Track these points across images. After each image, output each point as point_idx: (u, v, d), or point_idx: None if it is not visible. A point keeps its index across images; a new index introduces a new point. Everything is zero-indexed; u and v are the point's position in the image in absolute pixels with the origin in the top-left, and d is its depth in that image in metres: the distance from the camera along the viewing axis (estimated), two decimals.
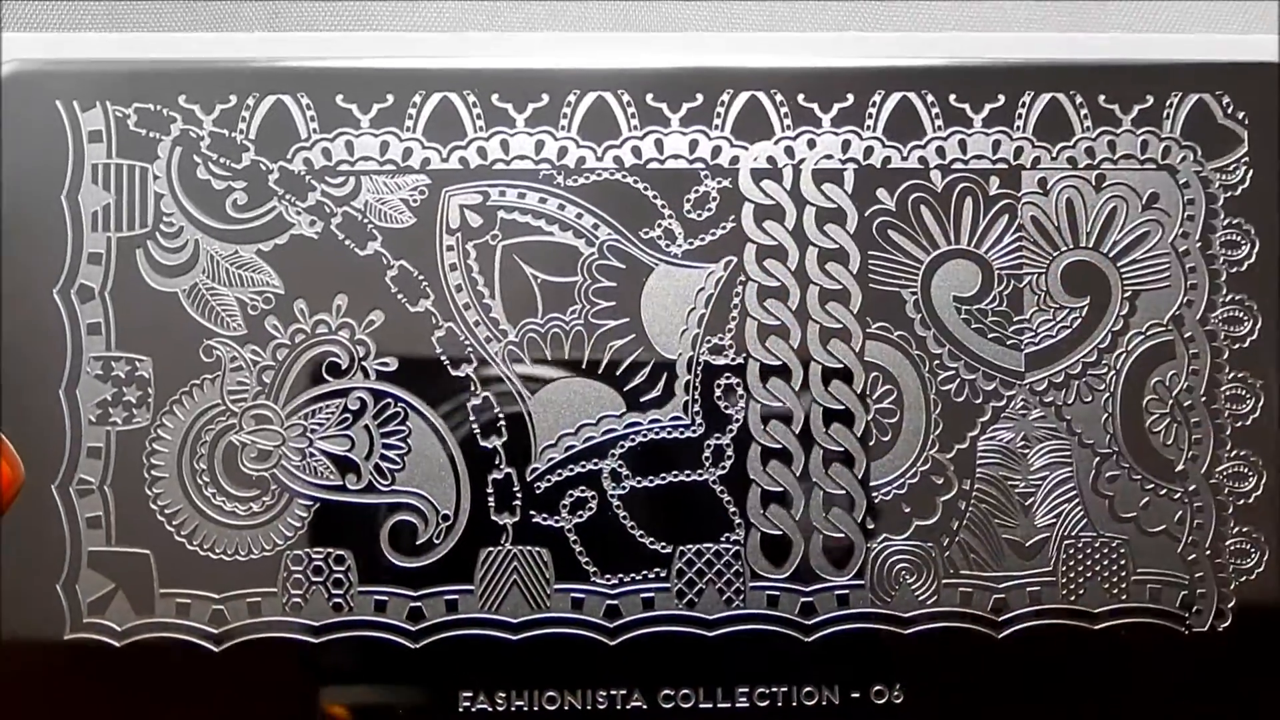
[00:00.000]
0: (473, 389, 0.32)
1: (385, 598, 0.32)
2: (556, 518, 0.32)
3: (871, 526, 0.32)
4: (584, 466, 0.32)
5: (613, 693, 0.32)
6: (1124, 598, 0.32)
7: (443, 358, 0.32)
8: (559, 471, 0.32)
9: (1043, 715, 0.32)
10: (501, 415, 0.32)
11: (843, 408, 0.32)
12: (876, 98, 0.32)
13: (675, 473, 0.32)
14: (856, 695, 0.32)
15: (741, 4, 0.36)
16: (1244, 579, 0.32)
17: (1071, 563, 0.32)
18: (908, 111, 0.32)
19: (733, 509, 0.32)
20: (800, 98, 0.32)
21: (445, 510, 0.32)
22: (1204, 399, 0.32)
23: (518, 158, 0.32)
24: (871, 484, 0.32)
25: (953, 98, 0.32)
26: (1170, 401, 0.32)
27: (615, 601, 0.32)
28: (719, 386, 0.32)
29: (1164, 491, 0.32)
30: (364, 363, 0.32)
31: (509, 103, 0.32)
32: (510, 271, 0.32)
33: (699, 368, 0.32)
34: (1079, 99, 0.32)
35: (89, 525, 0.31)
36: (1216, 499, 0.32)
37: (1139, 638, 0.32)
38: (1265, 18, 0.36)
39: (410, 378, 0.32)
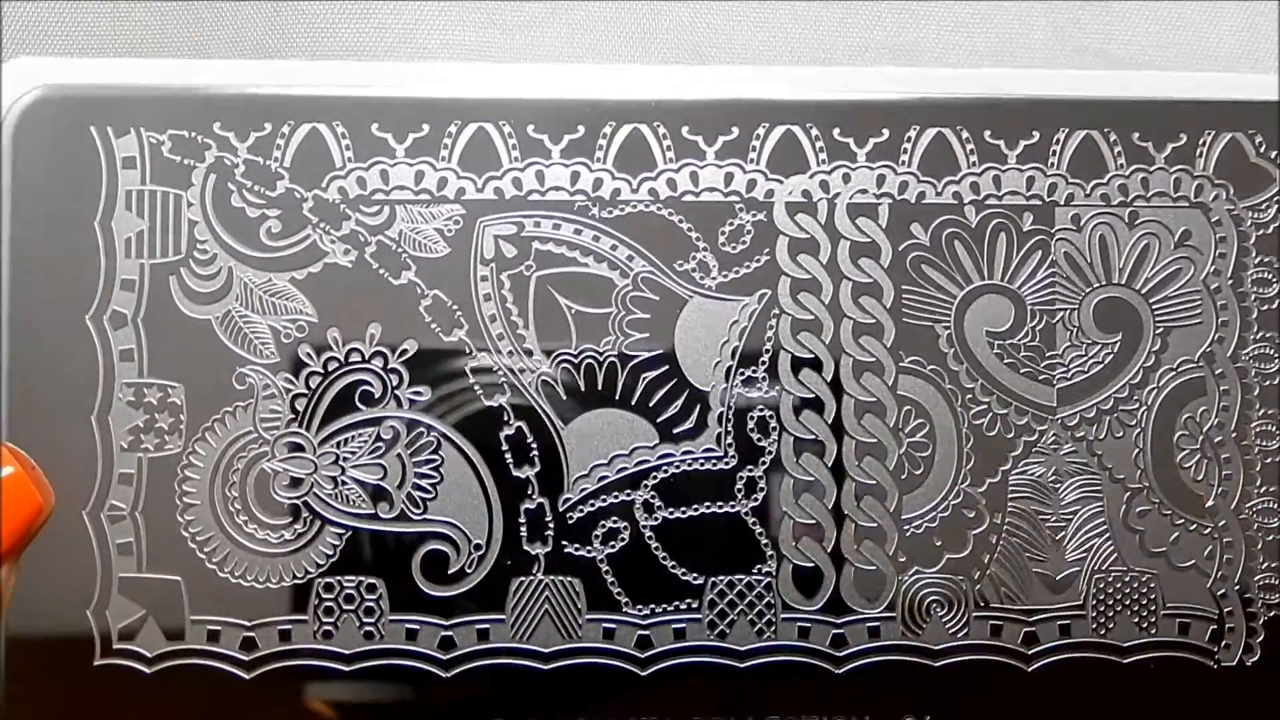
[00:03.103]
0: (505, 419, 0.32)
1: (416, 626, 0.32)
2: (589, 548, 0.32)
3: (903, 559, 0.32)
4: (616, 497, 0.32)
5: None
6: (1153, 632, 0.32)
7: (476, 387, 0.32)
8: (591, 502, 0.32)
9: None
10: (535, 446, 0.32)
11: (875, 441, 0.32)
12: (912, 133, 0.32)
13: (708, 504, 0.32)
14: None
15: (778, 38, 0.36)
16: (1273, 614, 0.32)
17: (1101, 596, 0.32)
18: (942, 147, 0.32)
19: (764, 541, 0.32)
20: (836, 132, 0.32)
21: (477, 539, 0.32)
22: (1234, 435, 0.33)
23: (553, 189, 0.32)
24: (903, 517, 0.32)
25: (987, 134, 0.32)
26: (1201, 438, 0.33)
27: (646, 632, 0.32)
28: (752, 419, 0.32)
29: (1194, 527, 0.33)
30: (397, 392, 0.32)
31: (544, 134, 0.32)
32: (544, 302, 0.32)
33: (732, 400, 0.32)
34: (1113, 136, 0.33)
35: (120, 552, 0.31)
36: (1246, 534, 0.33)
37: (1167, 671, 0.32)
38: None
39: (443, 407, 0.32)
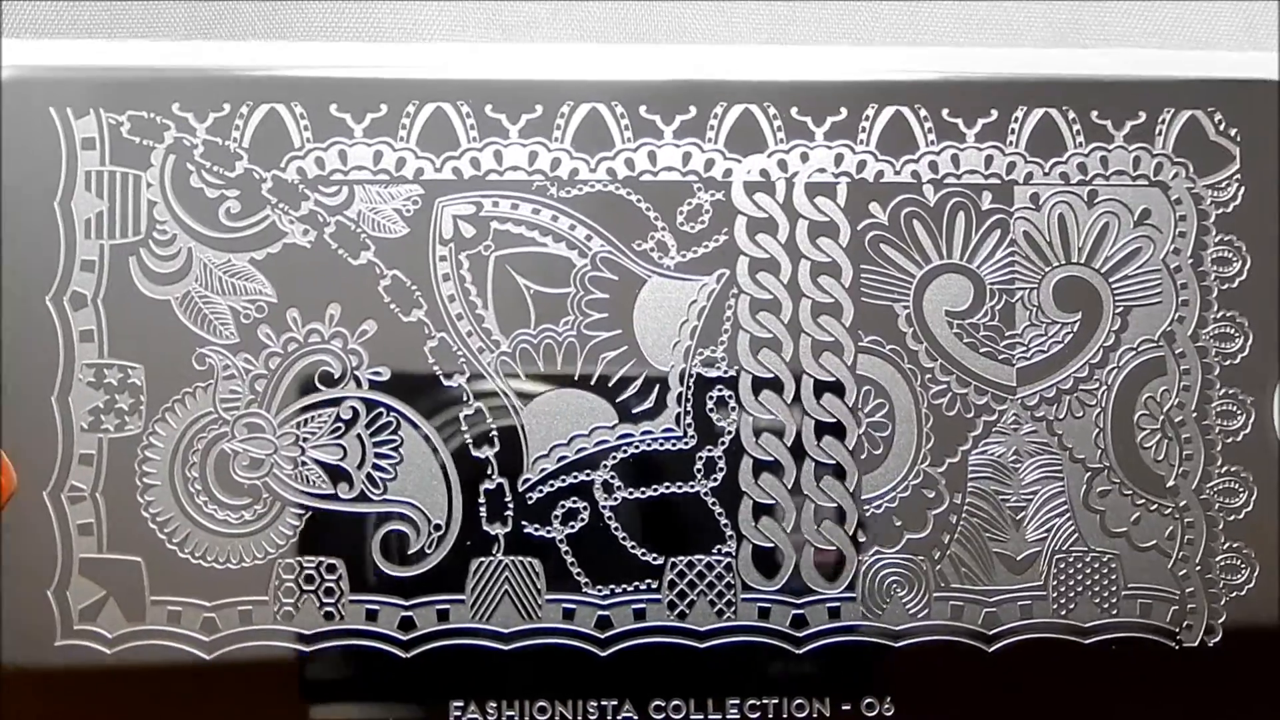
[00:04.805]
0: (465, 399, 0.32)
1: (376, 607, 0.32)
2: (548, 528, 0.32)
3: (863, 540, 0.32)
4: (576, 477, 0.32)
5: (603, 704, 0.32)
6: (1114, 613, 0.32)
7: (435, 368, 0.32)
8: (551, 482, 0.32)
9: None
10: (494, 427, 0.32)
11: (834, 421, 0.32)
12: (870, 111, 0.32)
13: (667, 484, 0.32)
14: (847, 708, 0.32)
15: (735, 17, 0.36)
16: (1234, 595, 0.32)
17: (1062, 577, 0.32)
18: (901, 126, 0.32)
19: (724, 521, 0.32)
20: (794, 111, 0.32)
21: (437, 520, 0.32)
22: (1195, 415, 0.33)
23: (511, 168, 0.32)
24: (863, 497, 0.32)
25: (946, 112, 0.32)
26: (1161, 417, 0.32)
27: (606, 612, 0.32)
28: (711, 399, 0.32)
29: (1155, 507, 0.32)
30: (356, 372, 0.32)
31: (502, 113, 0.32)
32: (503, 282, 0.32)
33: (691, 380, 0.32)
34: (1071, 114, 0.32)
35: (80, 532, 0.31)
36: (1207, 515, 0.32)
37: (1129, 652, 0.32)
38: (1261, 34, 0.36)
39: (403, 388, 0.32)
